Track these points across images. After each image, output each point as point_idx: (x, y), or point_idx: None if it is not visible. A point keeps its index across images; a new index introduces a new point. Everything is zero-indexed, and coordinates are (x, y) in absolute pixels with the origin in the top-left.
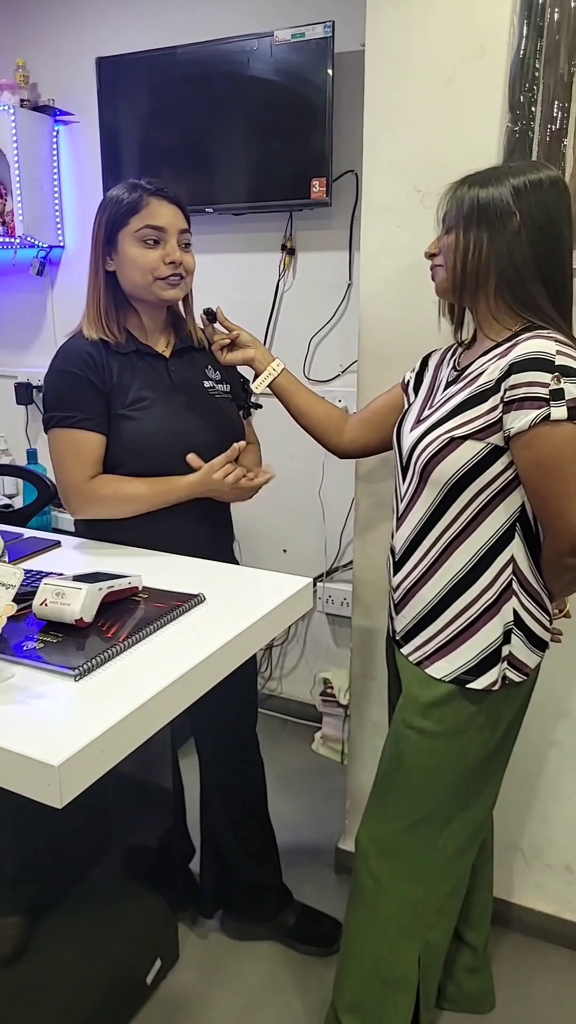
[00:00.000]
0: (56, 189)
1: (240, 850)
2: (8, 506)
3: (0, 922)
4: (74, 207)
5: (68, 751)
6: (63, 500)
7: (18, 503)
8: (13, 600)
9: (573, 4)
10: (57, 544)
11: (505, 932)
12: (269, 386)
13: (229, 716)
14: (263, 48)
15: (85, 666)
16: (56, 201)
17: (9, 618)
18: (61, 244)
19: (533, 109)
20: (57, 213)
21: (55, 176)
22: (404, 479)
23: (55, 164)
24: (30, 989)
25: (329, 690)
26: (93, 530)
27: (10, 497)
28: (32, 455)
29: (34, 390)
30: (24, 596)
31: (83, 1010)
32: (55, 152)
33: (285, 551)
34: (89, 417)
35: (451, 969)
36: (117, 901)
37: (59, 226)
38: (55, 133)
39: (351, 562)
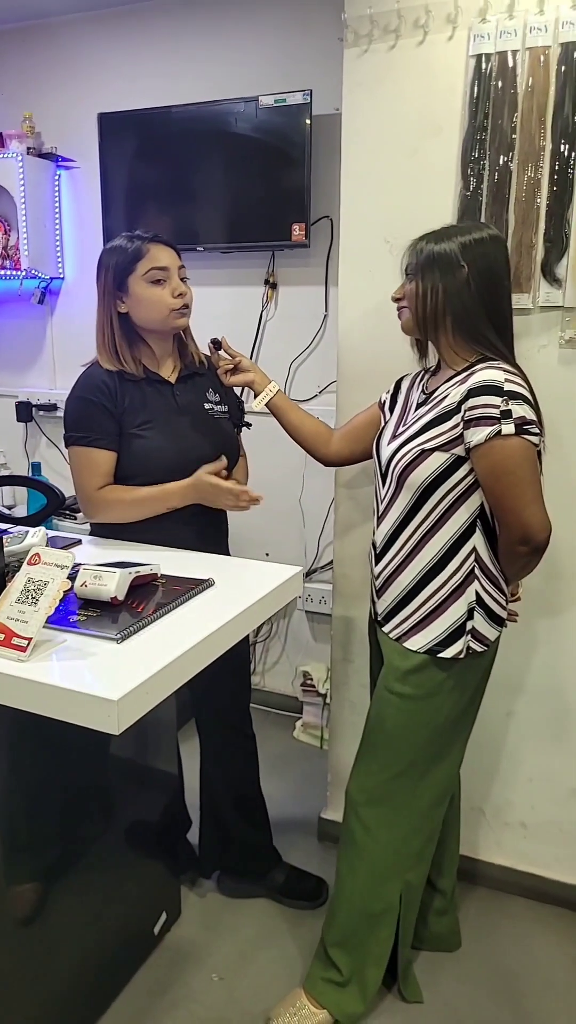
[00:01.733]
0: (57, 227)
1: (236, 814)
2: (9, 516)
3: (25, 887)
4: (73, 243)
5: (124, 689)
6: (80, 506)
7: (17, 513)
8: None
9: (507, 102)
10: (78, 542)
11: (471, 887)
12: (267, 404)
13: (227, 695)
14: (249, 110)
15: (126, 632)
16: (57, 237)
17: None
18: (61, 276)
19: (481, 178)
20: (58, 248)
21: (56, 215)
22: (383, 484)
23: (56, 204)
24: (51, 941)
25: (309, 681)
26: (109, 532)
27: (9, 508)
28: (36, 467)
29: (34, 408)
30: None
31: (99, 958)
32: (57, 194)
33: (268, 554)
34: (101, 437)
35: (423, 912)
36: (125, 865)
37: (59, 260)
38: (57, 177)
39: (329, 563)
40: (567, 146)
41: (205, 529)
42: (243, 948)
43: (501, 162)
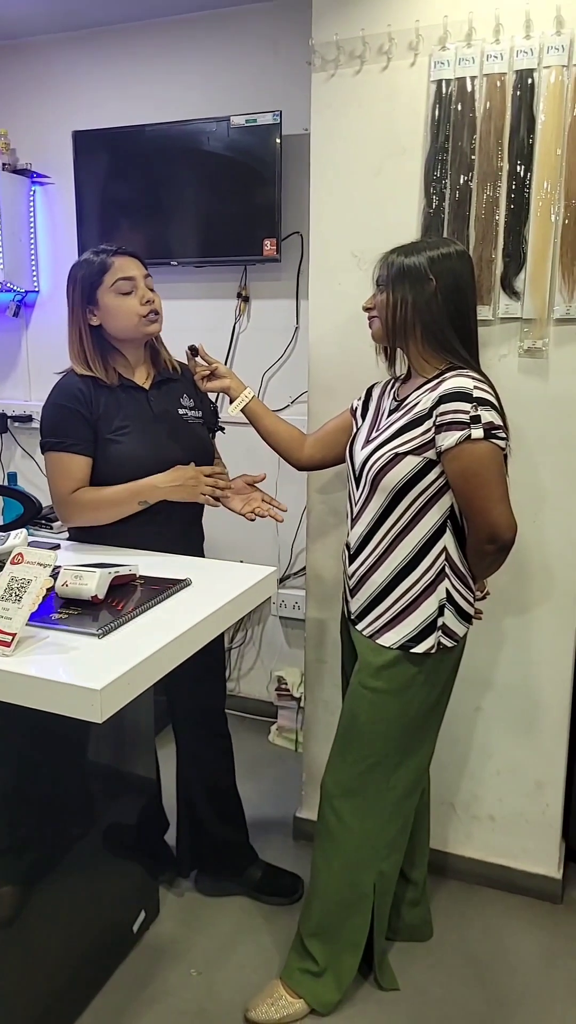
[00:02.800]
0: (32, 241)
1: (213, 813)
2: None
3: (5, 888)
4: (48, 257)
5: (106, 679)
6: (56, 511)
7: None
8: None
9: (466, 124)
10: (57, 546)
11: (442, 879)
12: (242, 410)
13: (203, 696)
14: (221, 129)
15: (107, 627)
16: (32, 251)
17: None
18: (36, 289)
19: (443, 196)
20: (33, 262)
21: (31, 230)
22: (357, 488)
23: (31, 219)
24: (31, 941)
25: (283, 686)
26: (86, 538)
27: None
28: (12, 478)
29: (9, 420)
30: None
31: (79, 956)
32: (32, 209)
33: (242, 561)
34: (77, 443)
35: (396, 903)
36: (105, 866)
37: (34, 273)
38: (32, 193)
39: (302, 569)
40: (523, 167)
41: (181, 536)
42: (221, 944)
43: (462, 181)
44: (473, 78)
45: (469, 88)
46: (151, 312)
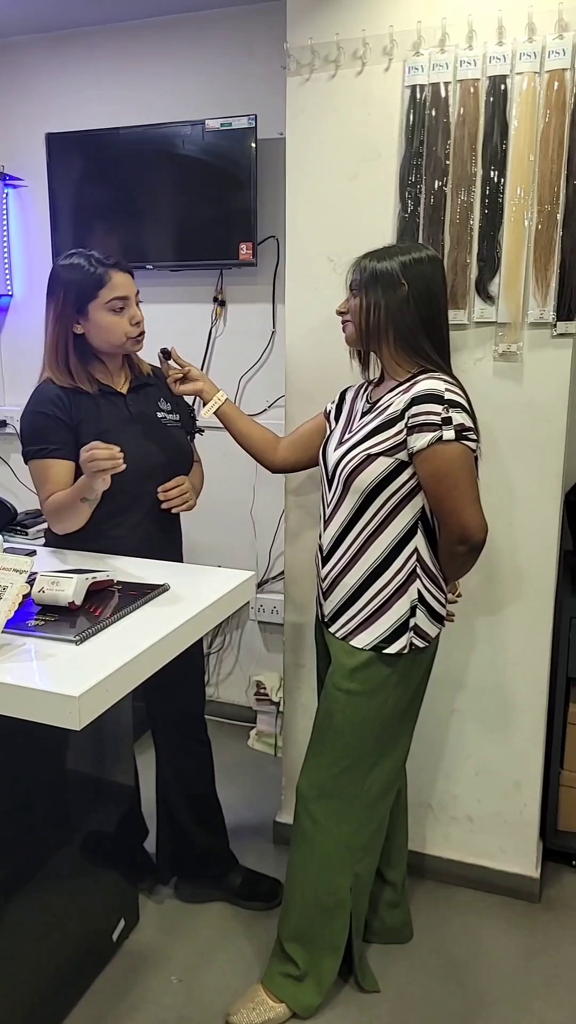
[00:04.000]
0: (5, 245)
1: (192, 819)
2: None
3: None
4: (22, 261)
5: (84, 686)
6: (45, 518)
7: None
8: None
9: (440, 130)
10: (33, 552)
11: (420, 881)
12: (215, 413)
13: (182, 702)
14: (196, 133)
15: (84, 633)
16: (5, 255)
17: None
18: (10, 294)
19: (418, 201)
20: (6, 266)
21: (4, 233)
22: (330, 489)
23: (4, 223)
24: (10, 951)
25: (262, 690)
26: (62, 544)
27: None
28: None
29: None
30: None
31: (58, 966)
32: (4, 212)
33: (220, 566)
34: (58, 447)
35: (375, 905)
36: (83, 875)
37: (8, 278)
38: (5, 196)
39: (280, 574)
40: (496, 172)
41: (160, 540)
42: (201, 950)
43: (436, 186)
44: (447, 84)
45: (443, 94)
46: (139, 334)
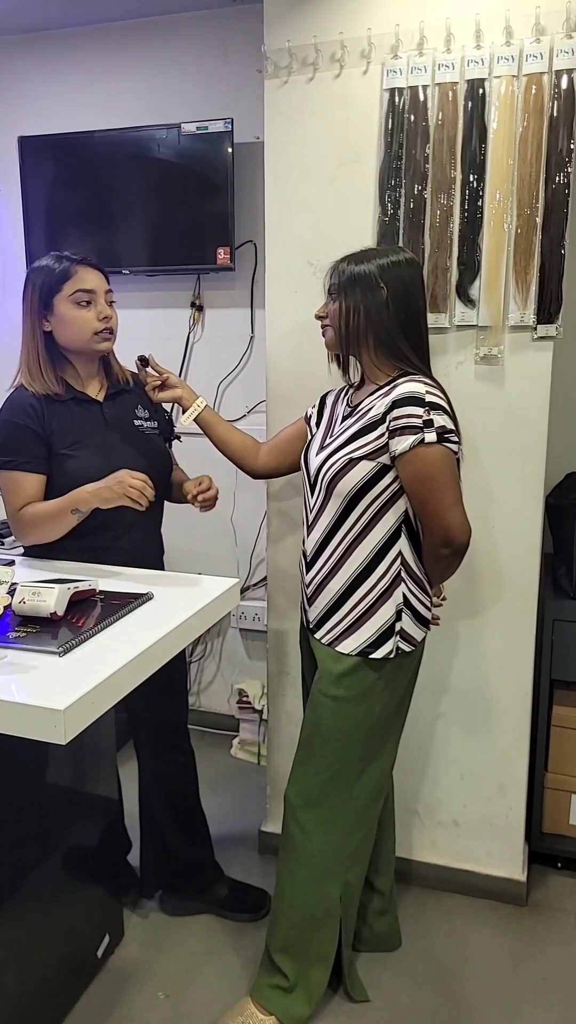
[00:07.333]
0: None
1: (177, 831)
2: None
3: None
4: None
5: (69, 700)
6: (11, 530)
7: None
8: None
9: (419, 134)
10: (12, 562)
11: (407, 887)
12: (195, 420)
13: (165, 711)
14: (171, 137)
15: (67, 645)
16: None
17: None
18: None
19: (398, 205)
20: None
21: None
22: (312, 494)
23: None
24: None
25: (245, 698)
26: (41, 553)
27: None
28: None
29: None
30: None
31: (42, 984)
32: None
33: (201, 573)
34: (28, 460)
35: (364, 913)
36: (66, 890)
37: None
38: None
39: (262, 580)
40: (475, 176)
41: (141, 548)
42: (188, 964)
43: (416, 190)
44: (425, 87)
45: (422, 97)
46: (106, 329)
